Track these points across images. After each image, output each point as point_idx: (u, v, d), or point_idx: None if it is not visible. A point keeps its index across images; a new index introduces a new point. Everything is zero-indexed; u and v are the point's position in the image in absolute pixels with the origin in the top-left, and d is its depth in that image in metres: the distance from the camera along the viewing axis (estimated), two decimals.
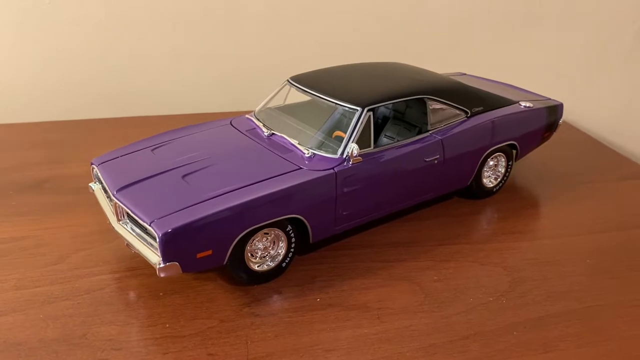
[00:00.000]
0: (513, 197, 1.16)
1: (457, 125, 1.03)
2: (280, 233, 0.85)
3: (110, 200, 0.85)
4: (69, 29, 1.45)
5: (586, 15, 1.69)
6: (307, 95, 0.99)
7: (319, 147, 0.91)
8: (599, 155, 1.40)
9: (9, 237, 0.96)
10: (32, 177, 1.17)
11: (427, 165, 0.98)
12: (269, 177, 0.83)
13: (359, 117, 0.89)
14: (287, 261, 0.87)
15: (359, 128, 0.89)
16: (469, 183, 1.09)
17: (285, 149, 0.91)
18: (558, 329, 0.79)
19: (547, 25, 1.69)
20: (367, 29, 1.60)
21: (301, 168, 0.86)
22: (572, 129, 1.58)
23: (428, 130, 1.00)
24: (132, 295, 0.84)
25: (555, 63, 1.74)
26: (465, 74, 1.39)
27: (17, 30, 1.42)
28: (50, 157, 1.27)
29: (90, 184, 0.95)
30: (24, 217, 1.02)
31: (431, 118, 1.00)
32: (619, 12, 1.70)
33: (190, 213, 0.76)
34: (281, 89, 1.05)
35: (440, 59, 1.62)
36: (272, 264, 0.86)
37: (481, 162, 1.08)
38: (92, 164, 0.93)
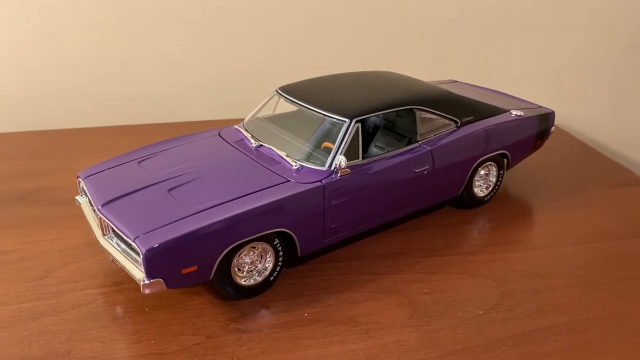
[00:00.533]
0: (505, 206, 1.15)
1: (446, 136, 1.02)
2: (268, 247, 0.84)
3: (96, 214, 0.84)
4: (57, 37, 1.44)
5: (578, 21, 1.69)
6: (296, 106, 0.98)
7: (307, 159, 0.90)
8: (592, 162, 1.39)
9: None
10: (19, 188, 1.16)
11: (417, 176, 0.97)
12: (255, 190, 0.83)
13: (347, 129, 0.89)
14: (274, 275, 0.86)
15: (347, 139, 0.88)
16: (459, 193, 1.08)
17: (273, 161, 0.91)
18: (547, 343, 0.78)
19: (539, 31, 1.69)
20: (360, 35, 1.59)
21: (289, 181, 0.85)
22: (564, 134, 1.57)
23: (417, 141, 0.99)
24: (118, 310, 0.83)
25: (547, 69, 1.74)
26: (456, 81, 1.38)
27: (5, 38, 1.41)
28: (38, 168, 1.25)
29: (76, 197, 0.94)
30: (10, 229, 1.01)
31: (420, 128, 0.99)
32: (611, 17, 1.70)
33: (175, 228, 0.75)
34: (270, 99, 1.04)
35: (431, 66, 1.62)
36: (259, 278, 0.85)
37: (472, 172, 1.07)
38: (78, 177, 0.93)
